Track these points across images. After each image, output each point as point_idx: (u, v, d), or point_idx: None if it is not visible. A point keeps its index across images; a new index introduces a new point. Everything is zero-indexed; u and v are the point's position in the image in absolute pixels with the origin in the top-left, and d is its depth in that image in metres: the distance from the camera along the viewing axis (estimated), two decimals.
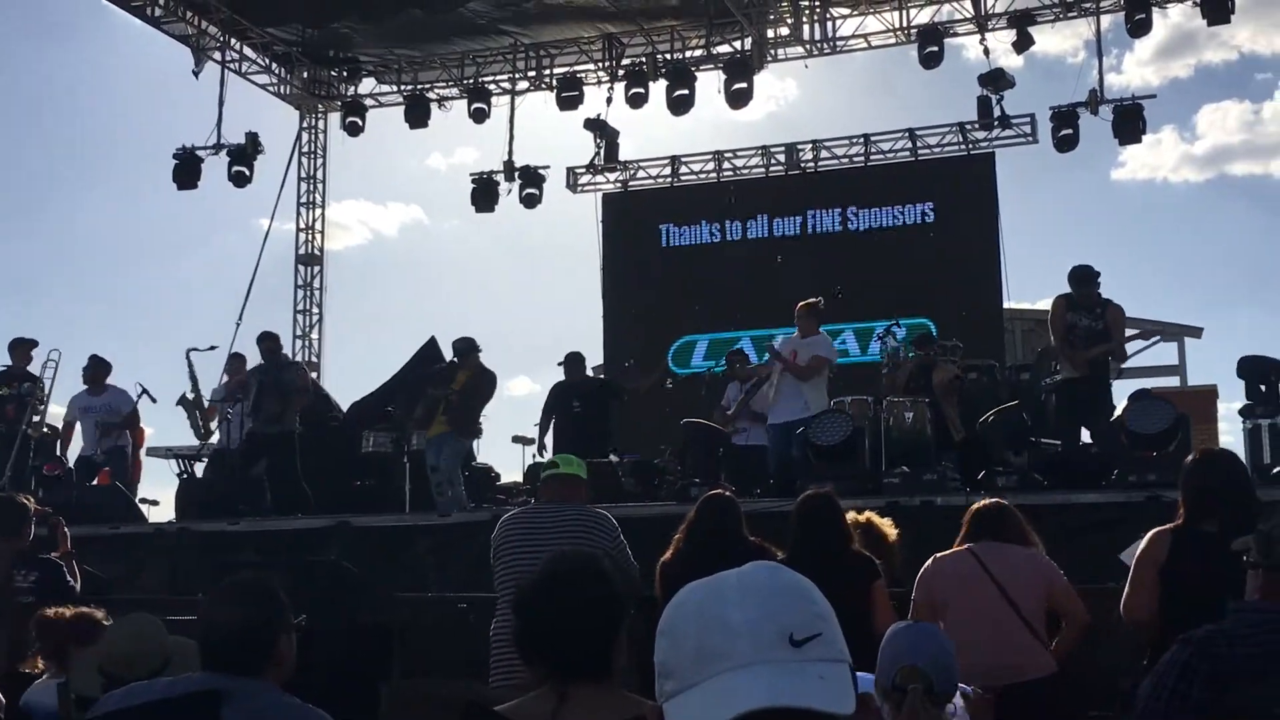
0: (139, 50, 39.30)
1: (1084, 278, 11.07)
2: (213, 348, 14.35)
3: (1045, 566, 5.88)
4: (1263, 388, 11.23)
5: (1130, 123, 17.52)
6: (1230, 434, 18.45)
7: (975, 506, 6.18)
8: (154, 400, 13.97)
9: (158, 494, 15.04)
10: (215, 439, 14.34)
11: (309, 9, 19.15)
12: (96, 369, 13.83)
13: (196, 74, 19.41)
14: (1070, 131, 17.79)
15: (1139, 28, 17.50)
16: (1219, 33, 23.78)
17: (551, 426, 13.56)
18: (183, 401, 14.16)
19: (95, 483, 13.45)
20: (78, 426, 13.86)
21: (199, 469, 14.57)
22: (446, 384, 12.61)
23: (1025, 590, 5.71)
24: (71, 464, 13.84)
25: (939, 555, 5.97)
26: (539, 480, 7.11)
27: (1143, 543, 5.23)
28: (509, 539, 6.46)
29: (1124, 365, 11.98)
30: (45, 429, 13.89)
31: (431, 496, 12.34)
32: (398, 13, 18.88)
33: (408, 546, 11.14)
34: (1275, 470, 10.03)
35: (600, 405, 13.55)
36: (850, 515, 6.55)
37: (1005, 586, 5.67)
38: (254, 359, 13.86)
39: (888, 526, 6.79)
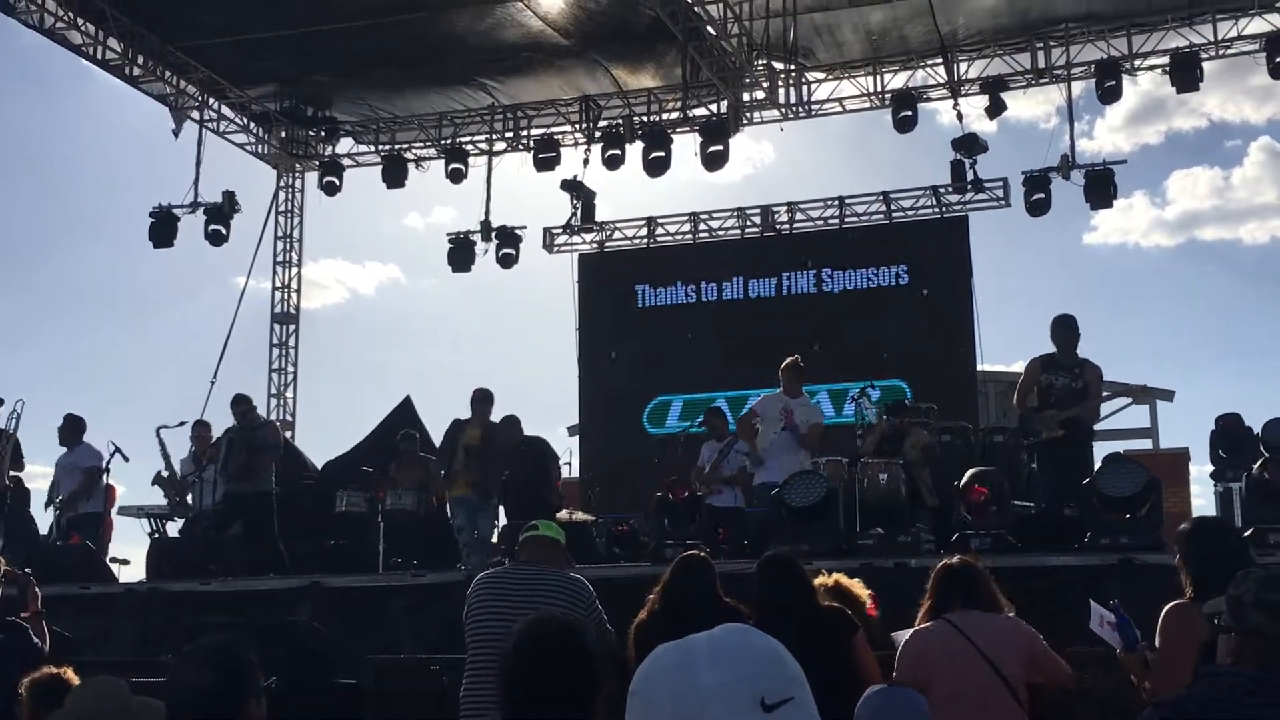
0: (118, 109, 39.39)
1: (1068, 325, 11.20)
2: (182, 424, 14.34)
3: (1026, 633, 5.72)
4: (1223, 453, 11.32)
5: (1102, 188, 17.71)
6: (1202, 497, 18.55)
7: (942, 566, 5.98)
8: (126, 459, 13.89)
9: (129, 553, 14.96)
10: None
11: (287, 69, 19.27)
12: (68, 427, 13.83)
13: (176, 134, 19.50)
14: (1043, 195, 17.96)
15: (1110, 94, 17.74)
16: (1188, 100, 24.22)
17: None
18: (158, 480, 14.13)
19: (70, 542, 13.37)
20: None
21: (171, 528, 14.47)
22: (451, 442, 12.82)
23: (1011, 661, 5.56)
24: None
25: (917, 629, 5.77)
26: (518, 541, 7.05)
27: (1166, 621, 5.02)
28: (481, 599, 6.41)
29: (1096, 427, 12.02)
30: (9, 480, 13.79)
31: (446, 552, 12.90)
32: (373, 72, 19.04)
33: (381, 607, 11.06)
34: (1246, 533, 10.04)
35: (525, 468, 13.50)
36: (818, 580, 6.49)
37: (991, 658, 5.52)
38: (225, 420, 13.86)
39: (859, 587, 6.73)
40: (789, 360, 12.56)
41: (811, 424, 12.29)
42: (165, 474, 14.12)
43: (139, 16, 17.72)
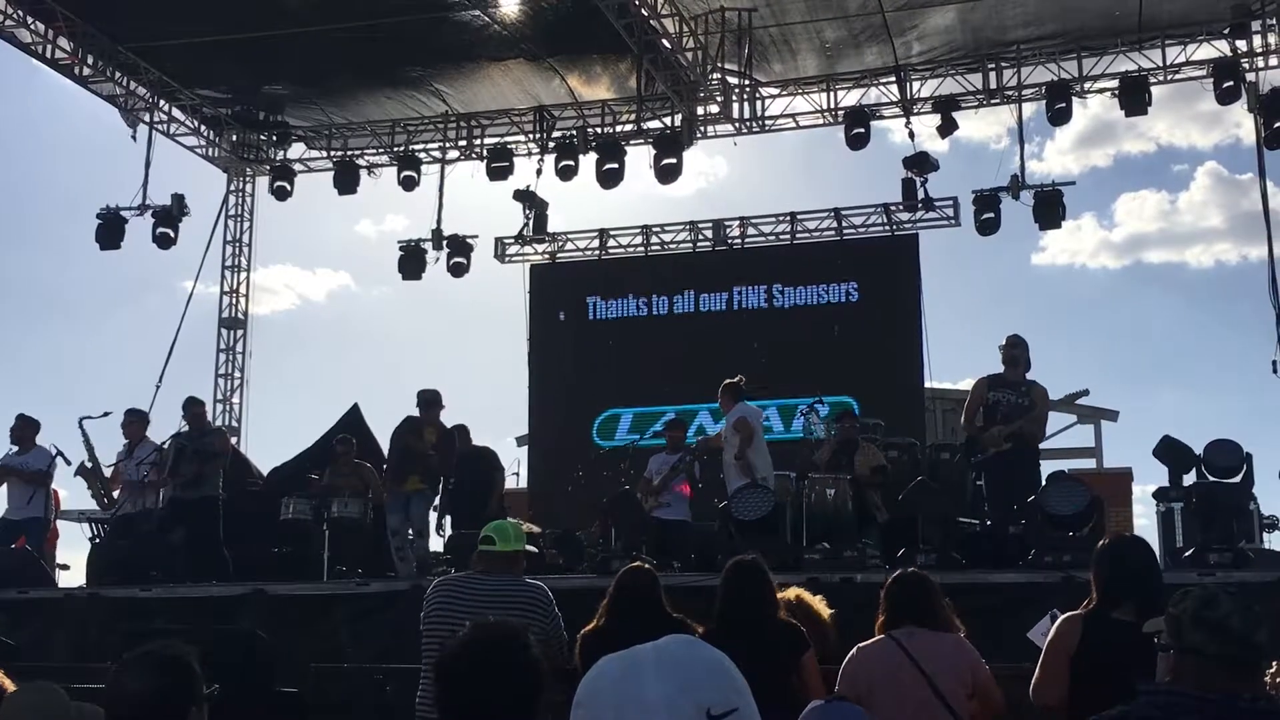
0: (66, 109, 39.00)
1: (1018, 345, 11.37)
2: (106, 414, 13.99)
3: (970, 654, 5.74)
4: (1170, 472, 11.45)
5: (1050, 208, 17.88)
6: (1144, 516, 18.77)
7: (894, 579, 6.00)
8: (68, 463, 13.69)
9: (69, 558, 14.71)
10: (125, 505, 13.94)
11: (239, 72, 19.15)
12: (22, 428, 13.59)
13: (135, 136, 19.37)
14: (992, 215, 18.10)
15: (1059, 116, 17.92)
16: (1137, 124, 24.45)
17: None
18: (81, 471, 13.85)
19: (13, 547, 13.16)
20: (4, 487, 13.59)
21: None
22: (414, 438, 12.66)
23: (953, 681, 5.58)
24: None
25: (862, 645, 5.78)
26: (471, 551, 6.97)
27: (1053, 628, 5.23)
28: (442, 605, 6.36)
29: (1041, 446, 12.11)
30: None
31: (391, 560, 12.73)
32: (326, 77, 18.97)
33: (324, 615, 10.98)
34: (1187, 553, 10.16)
35: (472, 478, 13.43)
36: (779, 595, 6.49)
37: (933, 677, 5.53)
38: (170, 421, 13.71)
39: (819, 604, 6.73)
40: (723, 384, 12.63)
41: (730, 425, 12.31)
42: (89, 465, 13.83)
43: (89, 16, 17.56)
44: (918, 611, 5.79)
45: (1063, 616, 5.25)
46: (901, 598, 5.85)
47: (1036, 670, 5.22)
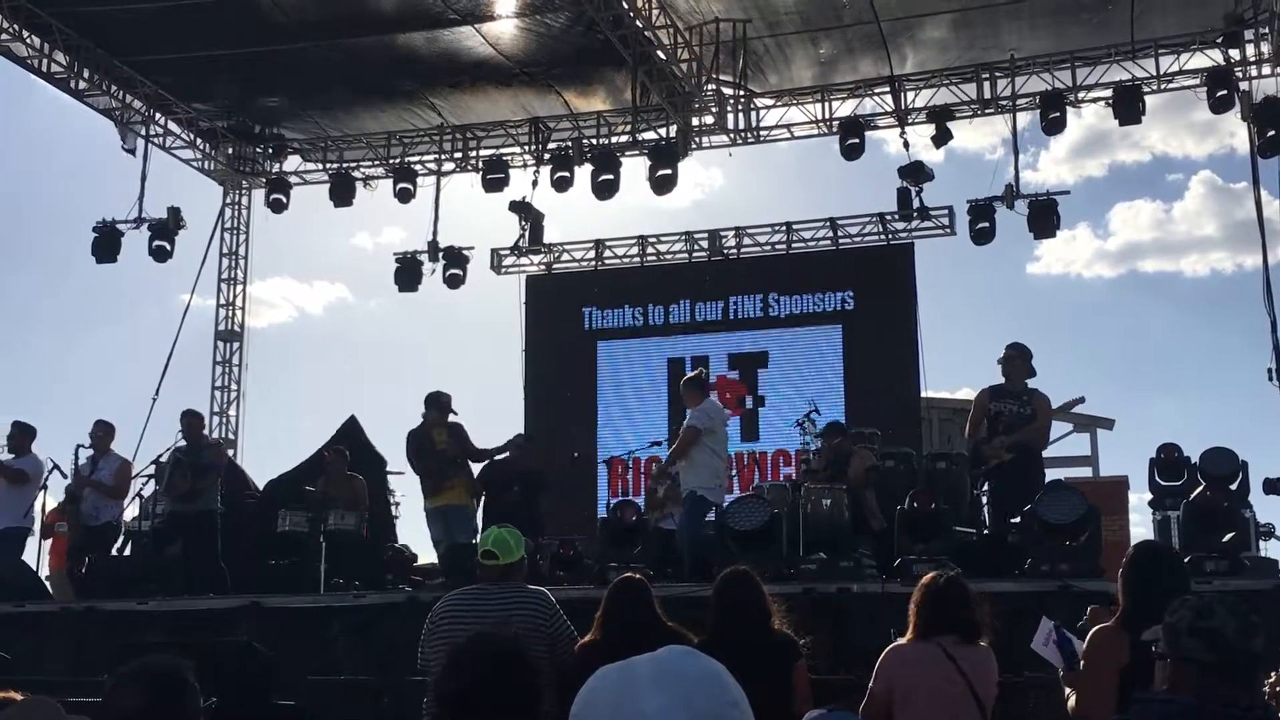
0: (62, 123, 38.99)
1: (1019, 354, 11.36)
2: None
3: (994, 663, 5.72)
4: (1161, 481, 11.47)
5: (1045, 218, 17.87)
6: (1141, 525, 18.70)
7: (931, 584, 5.86)
8: (65, 475, 13.68)
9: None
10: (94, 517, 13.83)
11: (235, 86, 19.17)
12: (18, 435, 13.56)
13: (131, 151, 19.39)
14: (987, 225, 18.10)
15: (1053, 126, 17.92)
16: (1131, 133, 24.56)
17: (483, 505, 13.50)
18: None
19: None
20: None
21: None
22: (428, 445, 12.67)
23: (989, 689, 5.57)
24: None
25: (899, 644, 5.72)
26: (476, 563, 6.97)
27: (1090, 643, 5.09)
28: (450, 620, 6.38)
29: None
30: None
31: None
32: (321, 91, 19.00)
33: (321, 628, 10.96)
34: (1184, 560, 10.15)
35: (532, 491, 13.47)
36: None
37: (974, 683, 5.51)
38: (166, 435, 13.69)
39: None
40: (684, 378, 12.52)
41: (680, 431, 12.25)
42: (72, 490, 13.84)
43: (86, 30, 17.57)
44: (958, 621, 5.70)
45: (1099, 630, 5.12)
46: (940, 608, 5.73)
47: (1078, 690, 5.12)
